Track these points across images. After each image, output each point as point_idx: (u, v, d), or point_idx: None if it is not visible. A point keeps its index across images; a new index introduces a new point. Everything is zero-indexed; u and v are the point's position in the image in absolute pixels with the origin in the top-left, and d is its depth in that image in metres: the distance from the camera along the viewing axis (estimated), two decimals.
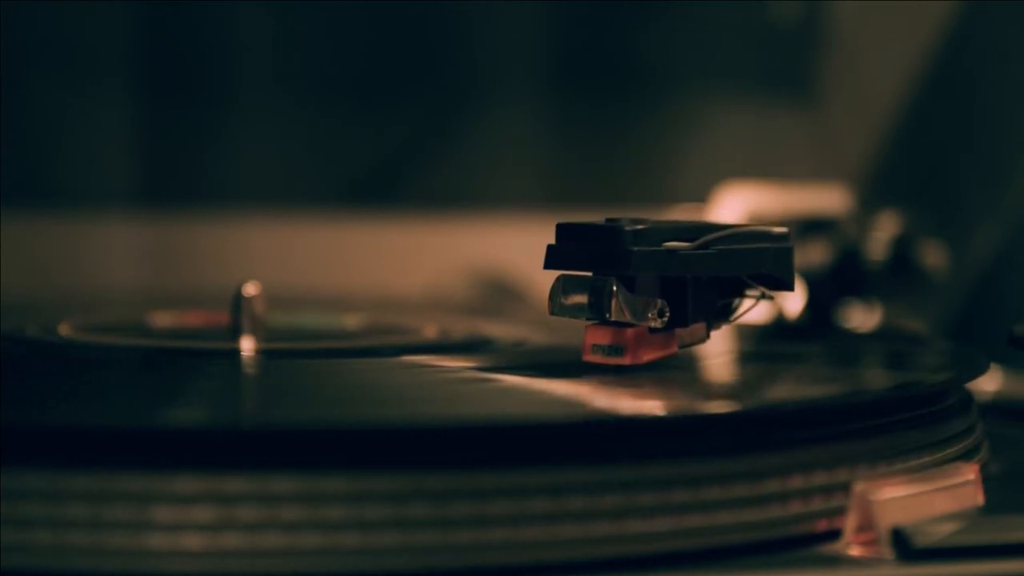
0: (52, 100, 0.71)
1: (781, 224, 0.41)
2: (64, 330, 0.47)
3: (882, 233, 0.59)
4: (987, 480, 0.36)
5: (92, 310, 0.56)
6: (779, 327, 0.55)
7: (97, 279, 0.71)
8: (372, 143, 0.75)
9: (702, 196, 0.67)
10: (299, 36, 0.74)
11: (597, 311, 0.37)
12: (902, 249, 0.59)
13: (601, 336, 0.38)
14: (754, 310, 0.40)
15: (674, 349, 0.39)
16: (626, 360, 0.37)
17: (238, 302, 0.45)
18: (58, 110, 0.72)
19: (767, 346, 0.49)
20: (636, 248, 0.36)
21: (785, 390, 0.40)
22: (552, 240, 0.38)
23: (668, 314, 0.38)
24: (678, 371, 0.39)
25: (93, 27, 0.71)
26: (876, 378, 0.44)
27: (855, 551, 0.32)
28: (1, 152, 0.70)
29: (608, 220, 0.37)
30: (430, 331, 0.49)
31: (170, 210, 0.72)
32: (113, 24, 0.71)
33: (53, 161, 0.72)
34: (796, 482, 0.33)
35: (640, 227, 0.37)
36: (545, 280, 0.38)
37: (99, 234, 0.71)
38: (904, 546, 0.31)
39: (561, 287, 0.38)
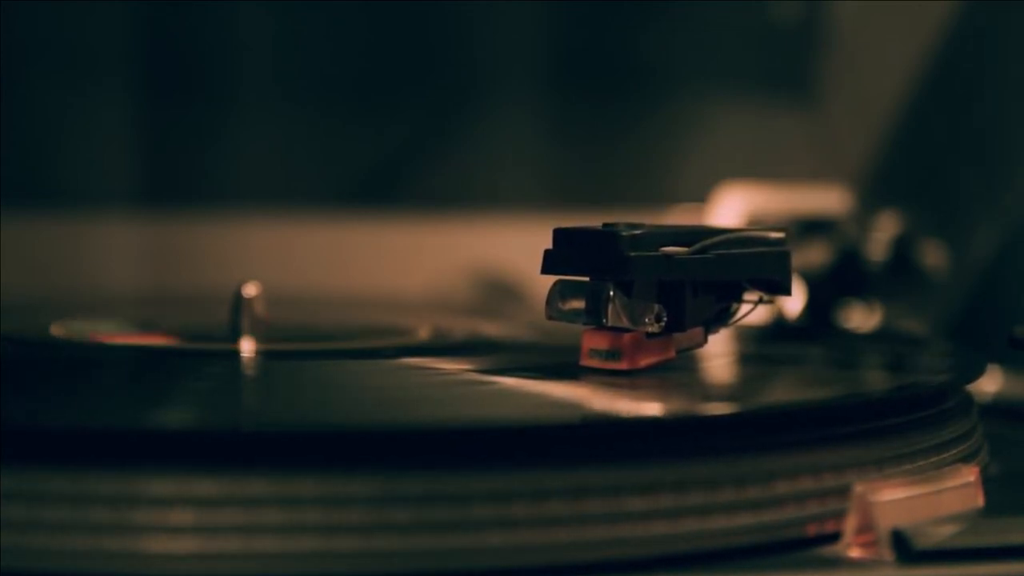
0: (52, 100, 0.71)
1: (780, 225, 0.41)
2: (64, 330, 0.47)
3: (882, 233, 0.59)
4: (987, 481, 0.36)
5: (92, 310, 0.56)
6: (779, 328, 0.55)
7: (97, 279, 0.71)
8: (372, 143, 0.75)
9: (702, 196, 0.67)
10: (299, 36, 0.74)
11: (594, 316, 0.37)
12: (902, 249, 0.59)
13: (598, 341, 0.38)
14: (753, 312, 0.40)
15: (672, 354, 0.39)
16: (623, 365, 0.37)
17: (238, 302, 0.45)
18: (58, 110, 0.72)
19: (766, 347, 0.49)
20: (633, 253, 0.36)
21: (784, 392, 0.40)
22: (550, 243, 0.38)
23: (665, 319, 0.38)
24: (676, 373, 0.39)
25: (93, 27, 0.71)
26: (876, 380, 0.44)
27: (855, 553, 0.32)
28: (1, 152, 0.70)
29: (605, 225, 0.37)
30: (428, 332, 0.49)
31: (170, 210, 0.72)
32: (113, 24, 0.71)
33: (53, 161, 0.72)
34: (796, 484, 0.33)
35: (637, 232, 0.37)
36: (545, 281, 0.38)
37: (99, 234, 0.71)
38: (904, 548, 0.31)
39: (558, 292, 0.38)
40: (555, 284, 0.38)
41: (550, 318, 0.38)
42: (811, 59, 0.77)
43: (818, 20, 0.76)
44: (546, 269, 0.38)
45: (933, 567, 0.31)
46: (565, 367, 0.38)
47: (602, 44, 0.76)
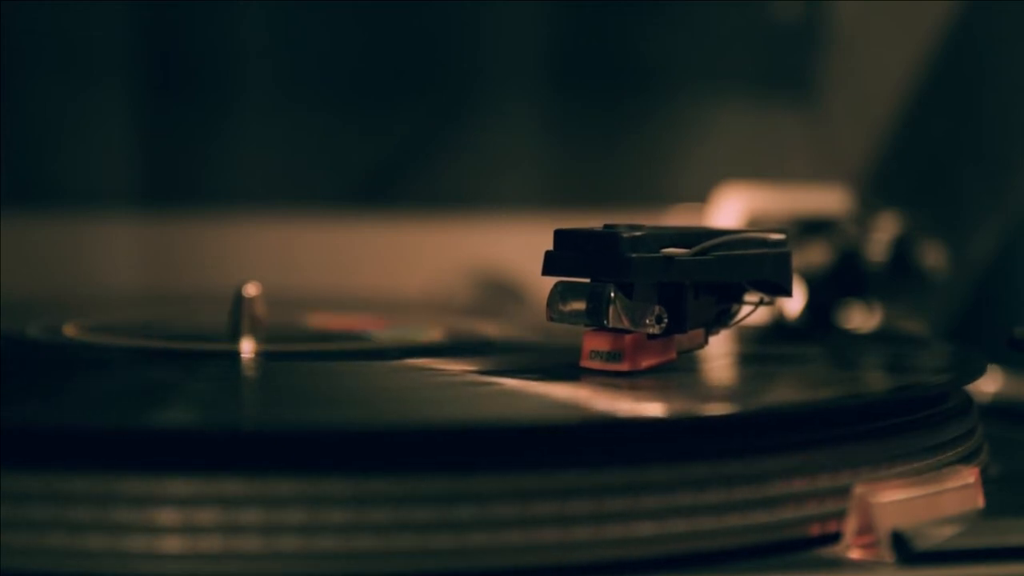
0: (52, 100, 0.71)
1: (781, 226, 0.41)
2: (65, 330, 0.47)
3: (882, 234, 0.59)
4: (987, 483, 0.36)
5: (92, 310, 0.56)
6: (779, 328, 0.55)
7: (97, 279, 0.71)
8: (372, 143, 0.75)
9: (702, 197, 0.67)
10: (299, 36, 0.74)
11: (595, 318, 0.37)
12: (902, 250, 0.59)
13: (600, 342, 0.38)
14: (753, 313, 0.40)
15: (672, 355, 0.39)
16: (624, 366, 0.37)
17: (238, 302, 0.45)
18: (58, 110, 0.72)
19: (767, 347, 0.49)
20: (634, 255, 0.36)
21: (785, 392, 0.40)
22: (550, 243, 0.38)
23: (666, 320, 0.38)
24: (677, 373, 0.39)
25: (93, 27, 0.71)
26: (876, 380, 0.44)
27: (855, 554, 0.32)
28: (1, 152, 0.70)
29: (606, 227, 0.37)
30: (428, 333, 0.49)
31: (170, 210, 0.72)
32: (113, 24, 0.71)
33: (53, 161, 0.72)
34: (796, 485, 0.33)
35: (638, 234, 0.37)
36: (545, 281, 0.38)
37: (99, 234, 0.71)
38: (904, 549, 0.31)
39: (559, 294, 0.38)
40: (556, 285, 0.38)
41: (551, 319, 0.38)
42: (811, 59, 0.77)
43: (818, 20, 0.76)
44: (547, 270, 0.38)
45: (933, 568, 0.31)
46: (565, 368, 0.38)
47: (602, 44, 0.76)
